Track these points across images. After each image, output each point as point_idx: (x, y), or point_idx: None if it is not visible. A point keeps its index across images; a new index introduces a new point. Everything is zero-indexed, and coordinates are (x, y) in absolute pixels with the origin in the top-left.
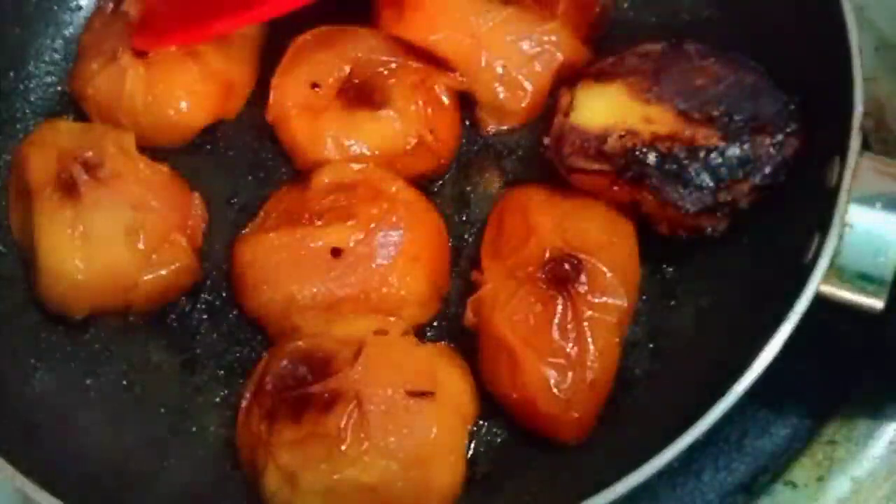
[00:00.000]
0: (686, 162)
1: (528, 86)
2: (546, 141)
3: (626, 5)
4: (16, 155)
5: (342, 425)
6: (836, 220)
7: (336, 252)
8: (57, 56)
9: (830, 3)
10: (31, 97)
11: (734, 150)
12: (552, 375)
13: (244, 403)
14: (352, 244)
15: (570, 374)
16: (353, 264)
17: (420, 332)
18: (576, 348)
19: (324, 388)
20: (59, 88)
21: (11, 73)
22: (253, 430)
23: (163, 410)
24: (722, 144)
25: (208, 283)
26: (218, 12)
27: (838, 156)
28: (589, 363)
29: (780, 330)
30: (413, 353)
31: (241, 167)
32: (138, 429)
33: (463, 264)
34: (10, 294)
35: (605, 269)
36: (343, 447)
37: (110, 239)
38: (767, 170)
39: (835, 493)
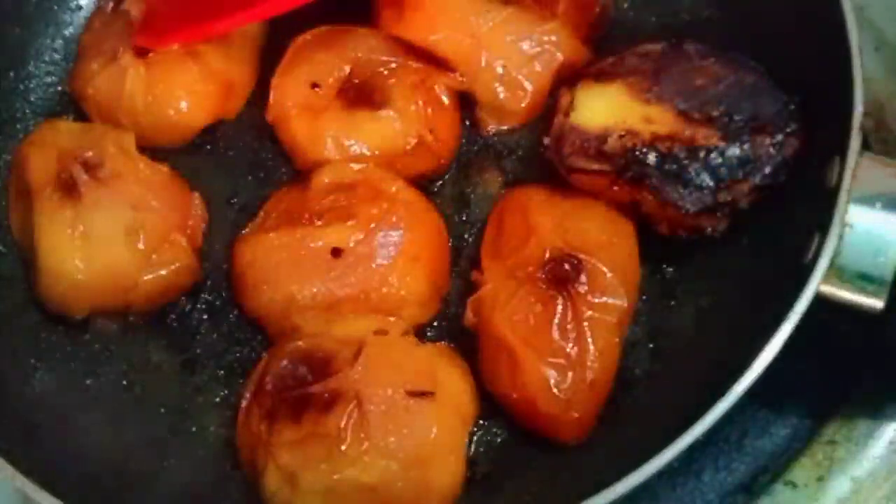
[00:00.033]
0: (686, 162)
1: (528, 86)
2: (546, 141)
3: (626, 5)
4: (16, 155)
5: (342, 425)
6: (836, 220)
7: (336, 252)
8: (57, 56)
9: (830, 3)
10: (31, 97)
11: (734, 150)
12: (552, 375)
13: (244, 403)
14: (352, 244)
15: (570, 374)
16: (353, 264)
17: (420, 332)
18: (576, 348)
19: (324, 388)
20: (59, 88)
21: (11, 73)
22: (253, 430)
23: (163, 410)
24: (722, 144)
25: (208, 283)
26: (219, 11)
27: (838, 156)
28: (589, 363)
29: (780, 330)
30: (413, 353)
31: (241, 167)
32: (138, 429)
33: (463, 264)
34: (10, 294)
35: (605, 269)
36: (343, 447)
37: (110, 239)
38: (767, 170)
39: (835, 493)
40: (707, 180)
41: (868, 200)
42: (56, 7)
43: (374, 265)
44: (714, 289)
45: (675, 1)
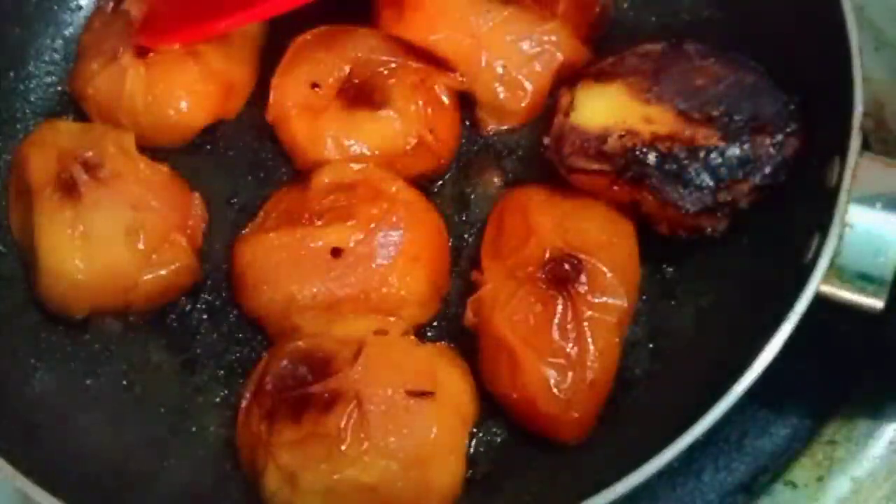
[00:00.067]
0: (686, 162)
1: (528, 86)
2: (546, 141)
3: (626, 5)
4: (16, 155)
5: (342, 425)
6: (836, 220)
7: (336, 252)
8: (57, 56)
9: (830, 3)
10: (31, 97)
11: (734, 150)
12: (552, 375)
13: (244, 403)
14: (352, 244)
15: (570, 374)
16: (353, 264)
17: (420, 332)
18: (576, 348)
19: (324, 388)
20: (59, 88)
21: (11, 73)
22: (253, 430)
23: (163, 410)
24: (722, 144)
25: (208, 283)
26: (219, 11)
27: (838, 156)
28: (589, 363)
29: (780, 330)
30: (413, 353)
31: (241, 167)
32: (138, 429)
33: (463, 264)
34: (10, 294)
35: (605, 269)
36: (343, 447)
37: (110, 239)
38: (767, 170)
39: (835, 493)
40: (707, 180)
41: (868, 200)
42: (56, 7)
43: (374, 265)
44: (714, 289)
45: (675, 1)
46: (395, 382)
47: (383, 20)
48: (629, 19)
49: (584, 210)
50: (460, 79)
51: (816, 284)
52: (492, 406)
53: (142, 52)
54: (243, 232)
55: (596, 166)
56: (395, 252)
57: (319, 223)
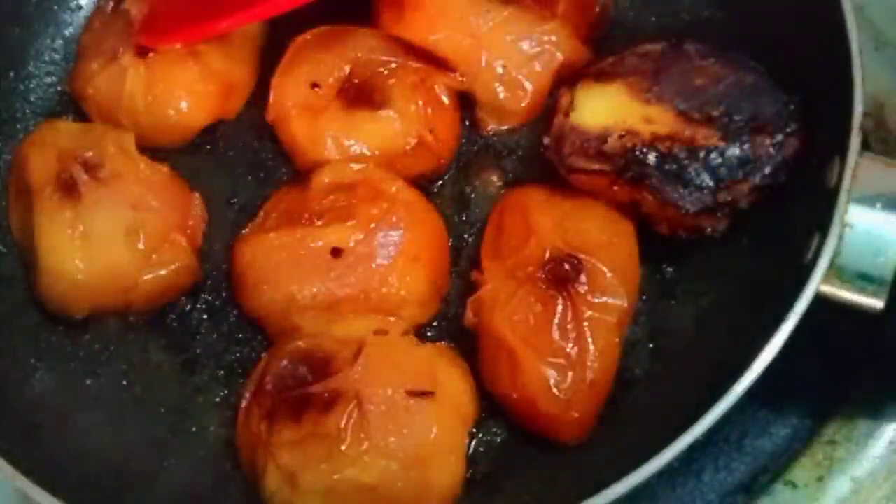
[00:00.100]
0: (686, 162)
1: (528, 86)
2: (546, 141)
3: (626, 5)
4: (16, 155)
5: (342, 425)
6: (836, 220)
7: (336, 252)
8: (57, 56)
9: (830, 3)
10: (31, 97)
11: (734, 150)
12: (552, 375)
13: (244, 403)
14: (352, 244)
15: (570, 374)
16: (353, 264)
17: (420, 332)
18: (576, 348)
19: (324, 388)
20: (59, 88)
21: (11, 73)
22: (253, 430)
23: (163, 410)
24: (722, 144)
25: (208, 283)
26: (219, 11)
27: (838, 156)
28: (589, 363)
29: (780, 330)
30: (413, 353)
31: (241, 167)
32: (138, 429)
33: (463, 264)
34: (10, 294)
35: (605, 269)
36: (343, 447)
37: (110, 239)
38: (767, 170)
39: (835, 493)
40: (707, 180)
41: (868, 200)
42: (56, 7)
43: (374, 265)
44: (714, 289)
45: (675, 1)
46: (395, 382)
47: (383, 20)
48: (629, 19)
49: (584, 210)
50: (460, 79)
51: (816, 284)
52: (492, 406)
53: (142, 52)
54: (243, 232)
55: (596, 166)
56: (395, 252)
57: (319, 223)
